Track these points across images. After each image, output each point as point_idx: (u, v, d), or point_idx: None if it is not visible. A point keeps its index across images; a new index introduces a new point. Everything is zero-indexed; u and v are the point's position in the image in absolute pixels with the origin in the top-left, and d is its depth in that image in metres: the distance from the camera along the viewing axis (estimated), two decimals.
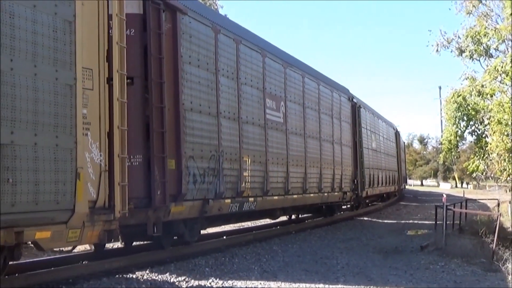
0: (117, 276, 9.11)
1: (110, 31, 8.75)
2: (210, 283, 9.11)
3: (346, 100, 22.56)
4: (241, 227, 17.70)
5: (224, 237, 14.55)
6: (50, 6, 7.71)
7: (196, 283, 9.05)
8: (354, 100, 23.81)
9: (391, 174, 34.01)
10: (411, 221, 22.54)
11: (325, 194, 18.95)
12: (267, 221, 18.25)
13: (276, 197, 14.85)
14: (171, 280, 9.13)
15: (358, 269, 10.87)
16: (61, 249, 10.43)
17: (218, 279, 9.30)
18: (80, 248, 11.08)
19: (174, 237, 11.39)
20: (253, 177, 13.44)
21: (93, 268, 9.22)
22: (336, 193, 20.09)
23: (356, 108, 23.75)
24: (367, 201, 28.13)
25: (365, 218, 23.76)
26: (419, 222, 22.14)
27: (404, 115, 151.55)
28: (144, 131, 9.75)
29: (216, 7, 29.72)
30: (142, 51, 9.80)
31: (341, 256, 12.43)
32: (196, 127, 11.12)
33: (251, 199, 13.36)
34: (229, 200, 12.31)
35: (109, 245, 11.57)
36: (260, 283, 9.29)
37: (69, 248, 9.95)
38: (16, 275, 8.50)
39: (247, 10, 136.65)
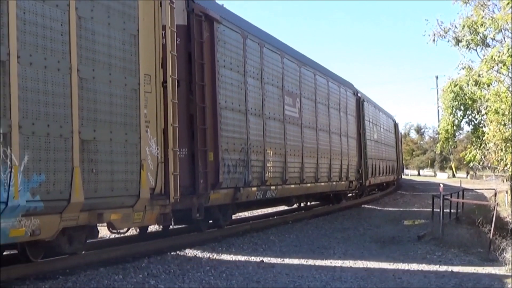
0: (114, 266, 9.14)
1: (164, 41, 10.13)
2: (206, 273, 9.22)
3: (352, 94, 24.00)
4: (238, 217, 16.94)
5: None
6: (120, 23, 9.10)
7: (193, 274, 9.12)
8: (359, 94, 25.27)
9: (390, 164, 35.53)
10: (408, 211, 22.62)
11: (334, 183, 20.42)
12: (264, 211, 18.96)
13: (293, 186, 16.30)
14: (170, 271, 9.18)
15: (355, 259, 10.95)
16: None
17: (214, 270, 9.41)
18: None
19: (210, 221, 12.79)
20: (274, 168, 14.87)
21: (91, 258, 9.19)
22: (343, 182, 21.58)
23: (360, 102, 25.20)
24: (368, 189, 29.60)
25: (371, 206, 24.94)
26: (416, 211, 22.23)
27: (401, 104, 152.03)
28: (188, 127, 11.13)
29: None
30: (186, 57, 11.16)
31: (338, 246, 12.52)
32: (229, 123, 12.53)
33: (273, 187, 14.80)
34: (255, 188, 13.75)
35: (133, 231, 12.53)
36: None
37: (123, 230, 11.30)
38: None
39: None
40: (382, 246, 12.67)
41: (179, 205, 10.73)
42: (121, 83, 9.05)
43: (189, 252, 10.82)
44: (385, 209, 23.76)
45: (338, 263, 10.47)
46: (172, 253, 10.51)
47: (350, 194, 25.18)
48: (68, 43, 8.01)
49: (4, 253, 8.85)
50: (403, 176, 52.38)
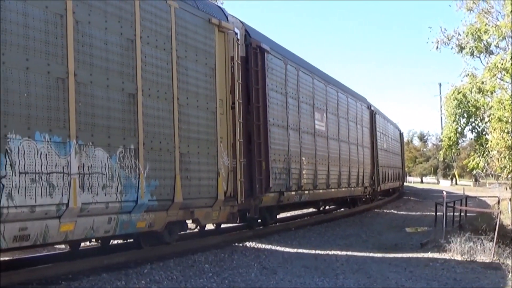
0: (117, 271, 9.13)
1: (232, 69, 12.43)
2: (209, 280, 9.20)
3: (366, 108, 26.36)
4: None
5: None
6: (204, 59, 11.44)
7: (195, 280, 9.11)
8: (372, 108, 27.62)
9: (396, 171, 37.87)
10: (411, 218, 22.46)
11: (352, 188, 22.72)
12: None
13: (321, 191, 18.60)
14: (172, 277, 9.18)
15: (357, 266, 10.87)
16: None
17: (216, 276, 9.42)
18: (82, 245, 11.36)
19: (259, 220, 15.05)
20: (307, 175, 17.16)
21: (93, 264, 9.20)
22: (359, 188, 23.89)
23: (373, 114, 27.55)
24: (379, 195, 31.85)
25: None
26: (419, 218, 22.01)
27: (404, 111, 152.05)
28: (247, 141, 13.38)
29: (216, 1, 31.56)
30: (245, 83, 13.44)
31: (340, 253, 12.48)
32: (276, 138, 14.82)
33: (306, 192, 17.09)
34: (294, 193, 16.04)
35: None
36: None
37: (192, 228, 13.50)
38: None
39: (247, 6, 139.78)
40: (385, 253, 12.56)
41: (241, 206, 12.98)
42: (205, 108, 11.37)
43: (192, 258, 10.77)
44: (390, 213, 24.63)
45: (340, 270, 10.39)
46: (174, 259, 10.48)
47: (364, 199, 27.41)
48: (173, 80, 10.35)
49: (123, 240, 11.07)
50: (405, 183, 54.14)
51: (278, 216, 17.28)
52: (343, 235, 15.99)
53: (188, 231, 12.46)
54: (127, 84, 9.23)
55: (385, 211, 26.61)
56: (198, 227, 12.66)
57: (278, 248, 12.85)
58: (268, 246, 13.03)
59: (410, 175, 73.99)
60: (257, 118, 13.64)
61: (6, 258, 9.72)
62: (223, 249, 11.96)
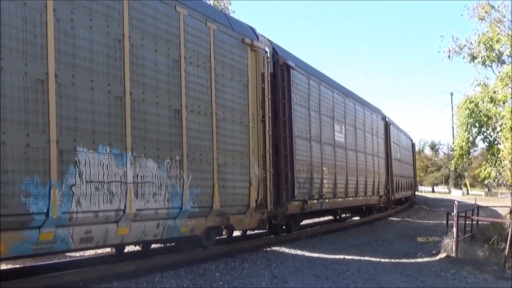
0: (127, 279, 9.13)
1: (262, 86, 13.31)
2: None
3: (381, 119, 27.18)
4: (251, 233, 15.95)
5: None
6: (238, 76, 12.32)
7: None
8: (386, 119, 28.44)
9: (409, 180, 38.59)
10: (422, 227, 22.23)
11: (368, 197, 23.50)
12: None
13: (340, 199, 19.41)
14: (183, 285, 9.18)
15: (368, 276, 10.78)
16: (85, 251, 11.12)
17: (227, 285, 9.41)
18: (90, 252, 12.09)
19: (283, 227, 15.88)
20: (328, 184, 17.98)
21: (104, 272, 9.17)
22: (375, 197, 24.67)
23: (387, 125, 28.35)
24: (392, 203, 32.57)
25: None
26: (430, 228, 21.64)
27: (416, 120, 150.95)
28: (274, 152, 14.23)
29: (228, 11, 31.29)
30: (273, 98, 14.30)
31: (351, 262, 12.33)
32: (300, 149, 15.67)
33: (327, 200, 17.91)
34: (315, 201, 16.86)
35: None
36: None
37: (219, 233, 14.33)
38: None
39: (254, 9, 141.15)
40: (396, 263, 12.49)
41: (269, 213, 13.81)
42: (239, 121, 12.26)
43: (203, 267, 10.75)
44: (401, 223, 24.46)
45: (351, 280, 10.36)
46: (185, 267, 10.47)
47: (379, 207, 28.14)
48: (212, 97, 11.25)
49: (163, 245, 11.89)
50: (417, 193, 54.53)
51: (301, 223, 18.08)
52: (354, 244, 15.96)
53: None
54: (173, 101, 10.12)
55: (396, 219, 26.73)
56: (227, 234, 13.49)
57: (289, 256, 12.82)
58: (279, 254, 13.03)
59: (421, 185, 73.38)
60: (283, 131, 14.50)
61: (17, 266, 10.01)
62: (233, 257, 11.98)
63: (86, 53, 8.30)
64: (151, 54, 9.66)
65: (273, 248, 13.97)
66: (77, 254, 11.70)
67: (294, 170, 15.02)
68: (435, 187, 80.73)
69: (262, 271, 10.76)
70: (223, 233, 13.13)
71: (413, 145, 44.54)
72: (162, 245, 11.98)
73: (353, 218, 24.90)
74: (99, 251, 12.19)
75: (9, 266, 9.95)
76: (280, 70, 14.57)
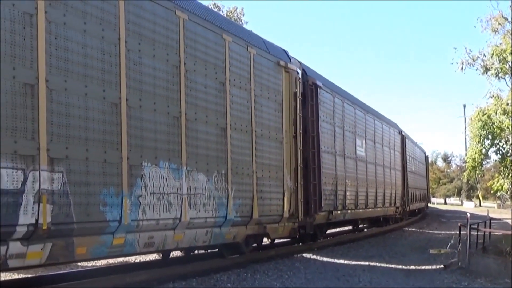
0: None
1: (294, 104, 14.36)
2: None
3: (398, 133, 28.18)
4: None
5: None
6: (274, 96, 13.39)
7: None
8: (402, 133, 29.42)
9: (422, 192, 39.49)
10: (434, 239, 22.09)
11: (386, 208, 24.45)
12: None
13: (361, 210, 20.38)
14: None
15: None
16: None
17: None
18: (102, 262, 12.32)
19: (311, 233, 16.84)
20: (350, 196, 18.97)
21: (115, 282, 9.19)
22: (392, 208, 25.62)
23: (403, 139, 29.33)
24: (407, 214, 33.43)
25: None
26: (442, 240, 21.29)
27: (428, 131, 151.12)
28: (304, 166, 15.25)
29: (241, 22, 32.80)
30: (302, 115, 15.34)
31: (363, 274, 12.26)
32: (326, 163, 16.68)
33: (349, 211, 18.89)
34: (339, 212, 17.85)
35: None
36: None
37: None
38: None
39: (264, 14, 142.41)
40: (408, 275, 12.42)
41: (300, 223, 14.80)
42: (275, 138, 13.32)
43: (215, 277, 10.80)
44: (413, 234, 24.40)
45: None
46: (196, 278, 10.52)
47: (395, 218, 29.05)
48: (252, 115, 12.31)
49: (205, 251, 12.91)
50: (429, 205, 54.97)
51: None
52: (366, 255, 15.81)
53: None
54: (220, 120, 11.20)
55: (409, 230, 26.84)
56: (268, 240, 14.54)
57: (301, 268, 12.78)
58: (290, 266, 12.93)
59: (433, 196, 73.25)
60: (312, 146, 15.52)
61: (29, 276, 10.14)
62: (245, 268, 12.03)
63: (162, 87, 9.40)
64: (202, 78, 10.75)
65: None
66: (89, 264, 12.24)
67: (321, 182, 16.01)
68: (447, 199, 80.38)
69: (273, 282, 10.84)
70: (268, 241, 14.03)
71: (426, 157, 45.43)
72: (204, 251, 13.00)
73: (362, 231, 25.75)
74: (111, 261, 12.36)
75: (21, 276, 10.25)
76: (310, 90, 15.61)
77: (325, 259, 14.60)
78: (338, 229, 22.87)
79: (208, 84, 10.94)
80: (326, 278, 11.51)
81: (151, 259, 13.12)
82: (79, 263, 11.62)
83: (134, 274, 9.85)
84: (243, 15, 34.66)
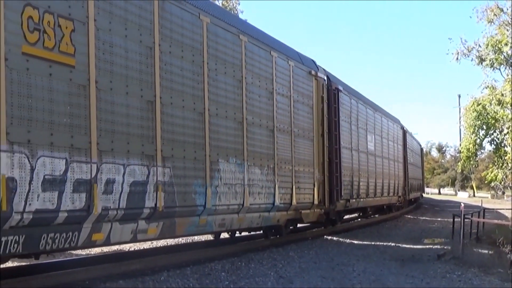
0: (133, 278, 9.14)
1: (322, 107, 16.70)
2: None
3: (400, 128, 30.68)
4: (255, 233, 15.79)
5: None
6: (307, 101, 15.73)
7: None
8: (404, 128, 31.91)
9: (418, 182, 42.11)
10: (428, 229, 22.41)
11: (390, 197, 26.95)
12: None
13: (370, 199, 22.84)
14: (189, 285, 9.27)
15: (374, 277, 10.79)
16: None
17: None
18: (96, 251, 12.66)
19: (333, 218, 19.21)
20: (363, 186, 21.39)
21: (110, 271, 9.25)
22: (395, 197, 28.13)
23: (405, 134, 31.83)
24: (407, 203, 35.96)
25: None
26: (436, 230, 21.88)
27: (423, 122, 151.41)
28: (327, 160, 17.61)
29: (236, 11, 32.48)
30: (326, 116, 17.68)
31: (357, 263, 12.33)
32: (345, 157, 19.07)
33: (361, 199, 21.33)
34: (355, 200, 20.27)
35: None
36: None
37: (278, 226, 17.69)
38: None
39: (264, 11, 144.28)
40: (402, 265, 12.51)
41: (325, 210, 17.16)
42: (308, 137, 15.67)
43: (209, 266, 10.87)
44: (407, 224, 24.89)
45: (357, 280, 10.39)
46: (191, 267, 10.57)
47: (397, 206, 31.58)
48: (291, 118, 14.66)
49: (249, 232, 15.23)
50: (423, 195, 56.52)
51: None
52: (360, 245, 16.15)
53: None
54: (269, 123, 13.53)
55: (404, 219, 27.53)
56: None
57: (295, 257, 12.90)
58: (284, 256, 13.05)
59: (427, 186, 72.92)
60: (334, 143, 17.90)
61: (23, 264, 10.06)
62: (239, 257, 12.22)
63: (228, 99, 11.70)
64: (257, 89, 13.05)
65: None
66: (83, 252, 12.55)
67: (341, 174, 18.40)
68: (441, 189, 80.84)
69: (268, 271, 10.95)
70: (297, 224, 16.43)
71: (421, 149, 48.07)
72: (248, 233, 15.33)
73: (355, 220, 28.03)
74: (105, 249, 12.60)
75: (15, 264, 10.23)
76: (332, 94, 17.96)
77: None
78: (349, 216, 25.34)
79: (261, 94, 13.25)
80: (321, 268, 11.67)
81: (145, 247, 13.79)
82: (73, 252, 11.89)
83: (129, 262, 10.07)
84: (239, 4, 34.24)
